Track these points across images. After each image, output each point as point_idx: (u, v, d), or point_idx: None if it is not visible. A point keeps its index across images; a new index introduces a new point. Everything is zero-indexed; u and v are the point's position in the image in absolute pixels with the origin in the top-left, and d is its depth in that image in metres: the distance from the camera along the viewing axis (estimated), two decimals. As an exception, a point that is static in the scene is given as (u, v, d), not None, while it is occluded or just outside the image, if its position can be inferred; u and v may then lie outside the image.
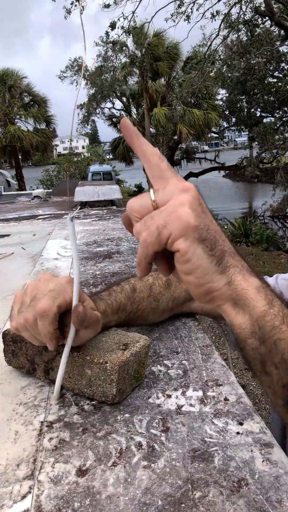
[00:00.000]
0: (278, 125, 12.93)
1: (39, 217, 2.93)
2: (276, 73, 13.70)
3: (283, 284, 0.78)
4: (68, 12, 10.16)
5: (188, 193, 0.40)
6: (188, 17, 10.19)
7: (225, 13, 9.53)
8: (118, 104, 19.73)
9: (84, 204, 3.27)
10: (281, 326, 0.40)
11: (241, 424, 0.55)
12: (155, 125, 13.83)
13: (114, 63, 16.89)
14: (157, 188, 0.41)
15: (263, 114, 15.05)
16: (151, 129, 15.60)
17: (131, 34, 12.25)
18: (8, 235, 2.20)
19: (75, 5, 9.97)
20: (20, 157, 17.70)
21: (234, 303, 0.42)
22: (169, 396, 0.62)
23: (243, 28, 10.34)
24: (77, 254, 0.56)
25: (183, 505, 0.42)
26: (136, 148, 0.43)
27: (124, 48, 15.18)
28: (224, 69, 13.49)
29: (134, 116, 17.43)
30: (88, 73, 18.64)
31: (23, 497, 0.45)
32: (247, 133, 16.20)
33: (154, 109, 13.86)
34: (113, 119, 18.78)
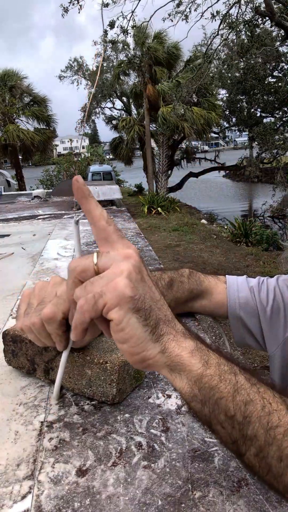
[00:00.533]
0: (278, 125, 12.94)
1: (39, 217, 2.93)
2: (275, 73, 13.71)
3: (284, 286, 0.78)
4: (66, 10, 10.14)
5: (129, 261, 0.41)
6: (186, 17, 10.18)
7: (224, 13, 9.53)
8: (119, 104, 19.75)
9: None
10: (219, 385, 0.40)
11: (241, 424, 0.55)
12: (162, 124, 13.76)
13: (114, 63, 16.90)
14: (102, 251, 0.43)
15: (263, 114, 15.05)
16: (155, 127, 15.59)
17: (129, 34, 12.25)
18: (8, 235, 2.20)
19: (73, 4, 9.96)
20: (20, 157, 17.70)
21: (170, 369, 0.42)
22: (169, 396, 0.62)
23: (243, 29, 10.33)
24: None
25: (183, 505, 0.42)
26: (84, 209, 0.44)
27: (125, 47, 15.17)
28: (224, 69, 13.49)
29: (135, 116, 17.41)
30: (88, 72, 18.66)
31: (23, 497, 0.45)
32: (247, 133, 16.20)
33: (160, 109, 13.83)
34: (113, 121, 18.75)
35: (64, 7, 9.98)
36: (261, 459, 0.39)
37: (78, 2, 9.86)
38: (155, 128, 15.43)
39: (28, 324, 0.54)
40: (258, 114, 15.20)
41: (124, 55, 15.70)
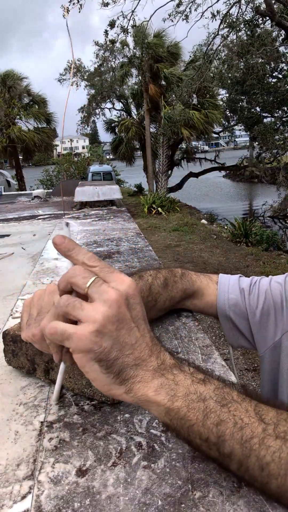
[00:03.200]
0: (278, 125, 12.94)
1: (39, 217, 2.93)
2: (275, 73, 13.70)
3: (277, 288, 0.79)
4: (67, 11, 10.14)
5: (108, 309, 0.43)
6: (186, 16, 10.18)
7: (224, 13, 9.52)
8: (118, 105, 19.73)
9: (84, 204, 3.27)
10: (188, 414, 0.43)
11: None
12: (165, 124, 13.75)
13: (113, 63, 16.88)
14: (97, 280, 0.44)
15: (263, 114, 15.05)
16: (155, 128, 15.59)
17: (129, 33, 12.24)
18: (8, 235, 2.20)
19: (73, 3, 9.96)
20: (20, 157, 17.70)
21: (139, 404, 0.45)
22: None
23: (243, 28, 10.33)
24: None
25: (183, 505, 0.42)
26: (75, 262, 0.47)
27: (124, 47, 15.15)
28: (224, 69, 13.49)
29: (134, 116, 17.40)
30: (87, 73, 18.63)
31: (23, 497, 0.45)
32: (247, 133, 16.19)
33: (163, 110, 13.82)
34: (112, 124, 18.72)
35: (65, 8, 9.98)
36: (244, 471, 0.41)
37: (78, 2, 9.86)
38: (155, 129, 15.43)
39: (30, 336, 0.54)
40: (258, 114, 15.20)
41: (122, 56, 15.69)
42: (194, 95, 12.90)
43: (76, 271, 0.45)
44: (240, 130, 17.16)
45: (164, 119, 13.67)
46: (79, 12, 10.14)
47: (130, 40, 14.65)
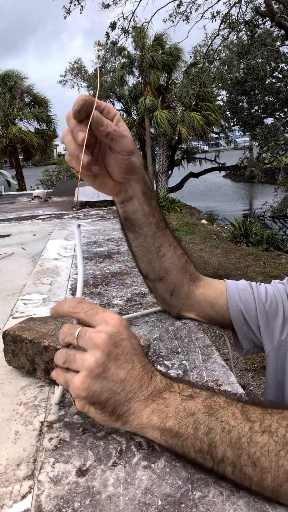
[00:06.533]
0: (279, 126, 12.93)
1: (39, 217, 2.93)
2: (276, 74, 13.70)
3: (282, 287, 0.78)
4: (68, 11, 10.15)
5: (93, 356, 0.47)
6: (187, 17, 10.18)
7: (224, 13, 9.53)
8: (118, 105, 19.74)
9: (84, 204, 3.27)
10: (180, 431, 0.46)
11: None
12: (155, 128, 13.79)
13: (113, 64, 16.88)
14: (81, 330, 0.49)
15: (263, 115, 15.04)
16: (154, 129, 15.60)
17: (130, 35, 12.24)
18: (8, 235, 2.20)
19: (75, 4, 9.95)
20: (20, 157, 17.69)
21: (136, 431, 0.49)
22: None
23: (243, 29, 10.34)
24: (82, 261, 0.57)
25: (183, 505, 0.42)
26: (62, 315, 0.51)
27: (122, 51, 15.14)
28: (224, 70, 13.49)
29: (135, 117, 17.40)
30: (87, 74, 18.62)
31: (23, 497, 0.45)
32: (248, 133, 16.19)
33: (154, 112, 13.83)
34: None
35: (66, 8, 9.99)
36: (239, 472, 0.43)
37: (79, 3, 9.86)
38: (155, 130, 15.42)
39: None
40: (259, 116, 15.19)
41: (122, 57, 15.67)
42: (194, 98, 12.89)
43: (63, 330, 0.50)
44: (239, 132, 17.13)
45: (155, 122, 13.70)
46: (80, 13, 10.14)
47: (130, 41, 14.67)
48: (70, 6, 9.92)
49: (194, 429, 0.45)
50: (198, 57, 14.90)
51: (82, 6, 9.96)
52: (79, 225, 0.58)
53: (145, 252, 0.76)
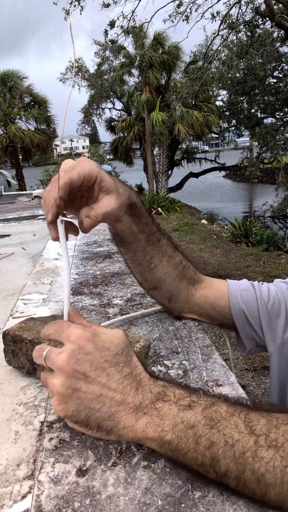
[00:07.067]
0: (279, 126, 12.93)
1: (39, 217, 2.93)
2: (276, 74, 13.70)
3: (284, 287, 0.77)
4: (68, 13, 10.16)
5: (56, 383, 0.47)
6: (187, 17, 10.18)
7: (224, 14, 9.53)
8: (119, 105, 19.73)
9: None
10: (180, 444, 0.44)
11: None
12: (151, 128, 13.81)
13: (114, 63, 16.88)
14: (46, 355, 0.49)
15: (263, 115, 15.04)
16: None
17: (130, 34, 12.24)
18: (8, 235, 2.20)
19: (75, 6, 9.96)
20: (20, 157, 17.69)
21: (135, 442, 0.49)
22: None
23: (243, 29, 10.33)
24: (69, 264, 0.54)
25: (183, 505, 0.42)
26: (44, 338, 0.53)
27: (121, 51, 15.14)
28: (224, 70, 13.48)
29: (134, 116, 17.39)
30: (87, 74, 18.61)
31: (23, 497, 0.45)
32: (248, 133, 16.19)
33: (151, 113, 13.83)
34: (112, 123, 18.70)
35: (66, 10, 10.00)
36: (243, 486, 0.42)
37: (79, 3, 9.87)
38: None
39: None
40: (259, 115, 15.19)
41: (122, 56, 15.67)
42: (192, 98, 12.90)
43: (34, 354, 0.51)
44: (237, 135, 17.11)
45: (151, 123, 13.70)
46: (80, 14, 10.14)
47: (130, 41, 14.66)
48: (70, 7, 9.93)
49: (195, 443, 0.43)
50: (197, 57, 14.90)
51: (82, 7, 9.96)
52: (62, 220, 0.54)
53: (136, 265, 0.76)
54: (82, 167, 0.56)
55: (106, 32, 11.43)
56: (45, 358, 0.48)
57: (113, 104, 19.59)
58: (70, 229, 0.57)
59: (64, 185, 0.53)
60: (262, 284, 0.80)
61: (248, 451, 0.41)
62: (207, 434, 0.43)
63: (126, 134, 16.46)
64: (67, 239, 0.55)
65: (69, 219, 0.55)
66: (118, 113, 19.75)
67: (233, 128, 17.03)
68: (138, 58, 14.20)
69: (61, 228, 0.54)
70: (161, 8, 10.26)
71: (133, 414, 0.46)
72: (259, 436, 0.42)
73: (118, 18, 10.97)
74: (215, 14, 9.71)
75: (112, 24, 11.01)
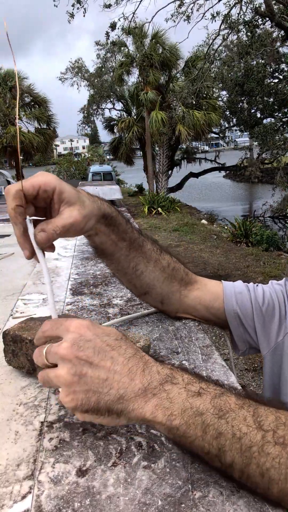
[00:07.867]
0: (278, 126, 12.93)
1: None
2: (275, 74, 13.70)
3: (279, 289, 0.77)
4: (72, 16, 10.16)
5: (61, 374, 0.47)
6: (188, 17, 10.18)
7: (224, 14, 9.53)
8: (119, 105, 19.72)
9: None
10: (188, 431, 0.44)
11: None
12: (151, 128, 13.80)
13: (113, 64, 16.87)
14: (46, 352, 0.49)
15: (262, 115, 15.04)
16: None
17: (131, 35, 12.25)
18: (8, 235, 2.20)
19: (77, 8, 9.96)
20: (21, 157, 17.69)
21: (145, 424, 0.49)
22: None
23: (243, 29, 10.34)
24: (47, 268, 0.54)
25: (183, 505, 0.42)
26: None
27: (122, 48, 15.13)
28: (225, 70, 13.48)
29: (135, 117, 17.39)
30: (88, 74, 18.63)
31: (23, 497, 0.45)
32: (247, 133, 16.19)
33: (151, 113, 13.82)
34: (111, 123, 18.69)
35: (69, 13, 10.01)
36: (246, 479, 0.42)
37: (82, 6, 9.87)
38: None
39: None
40: (259, 115, 15.18)
41: (122, 56, 15.67)
42: (193, 97, 12.89)
43: (35, 354, 0.51)
44: (239, 130, 17.10)
45: (151, 123, 13.70)
46: (84, 16, 10.14)
47: (130, 41, 14.66)
48: (73, 9, 9.93)
49: (203, 431, 0.43)
50: (197, 57, 14.89)
51: (85, 9, 9.96)
52: (30, 220, 0.55)
53: (123, 274, 0.77)
54: (37, 178, 0.57)
55: (107, 34, 11.43)
56: (46, 353, 0.48)
57: (113, 104, 19.60)
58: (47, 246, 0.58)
59: (15, 192, 0.54)
60: (257, 286, 0.80)
61: (255, 445, 0.42)
62: (215, 424, 0.43)
63: (126, 134, 16.45)
64: (44, 255, 0.56)
65: (38, 218, 0.57)
66: (118, 113, 19.76)
67: (234, 127, 17.04)
68: (138, 57, 14.19)
69: (30, 227, 0.55)
70: (162, 8, 10.25)
71: (142, 396, 0.46)
72: (267, 431, 0.42)
73: (119, 20, 10.98)
74: (215, 14, 9.72)
75: (113, 26, 11.01)
